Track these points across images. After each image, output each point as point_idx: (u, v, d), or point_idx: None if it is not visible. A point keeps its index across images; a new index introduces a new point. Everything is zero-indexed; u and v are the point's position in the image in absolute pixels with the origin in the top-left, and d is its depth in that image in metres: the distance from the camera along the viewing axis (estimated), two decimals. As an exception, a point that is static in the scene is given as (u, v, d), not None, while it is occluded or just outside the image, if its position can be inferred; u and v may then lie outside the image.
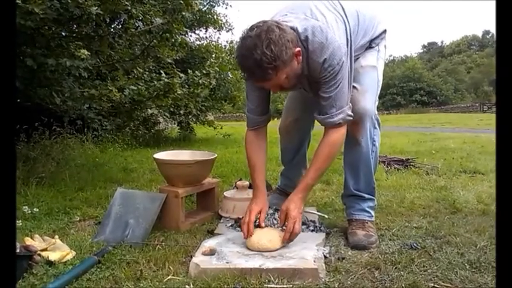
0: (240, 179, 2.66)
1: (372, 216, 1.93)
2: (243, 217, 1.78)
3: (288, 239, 1.65)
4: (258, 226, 1.91)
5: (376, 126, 1.86)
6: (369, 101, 1.81)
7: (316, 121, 2.09)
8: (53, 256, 1.55)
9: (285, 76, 1.54)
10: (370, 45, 1.94)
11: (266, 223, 1.92)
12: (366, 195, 1.91)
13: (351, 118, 1.70)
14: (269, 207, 2.17)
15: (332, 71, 1.59)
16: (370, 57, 1.92)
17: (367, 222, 1.86)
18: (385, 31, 1.98)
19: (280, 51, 1.45)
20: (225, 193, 2.27)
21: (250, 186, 2.33)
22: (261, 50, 1.43)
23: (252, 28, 1.50)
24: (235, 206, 2.16)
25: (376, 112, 1.86)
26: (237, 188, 2.28)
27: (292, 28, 1.56)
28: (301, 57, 1.57)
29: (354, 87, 1.77)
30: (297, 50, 1.52)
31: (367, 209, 1.91)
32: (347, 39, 1.66)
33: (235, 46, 1.59)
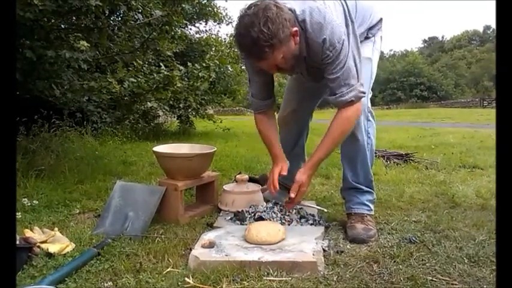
0: (240, 173, 2.67)
1: (371, 210, 1.93)
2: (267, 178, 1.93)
3: (292, 199, 1.77)
4: (259, 219, 1.92)
5: (370, 118, 1.89)
6: (365, 100, 1.81)
7: (313, 116, 2.14)
8: (53, 248, 1.55)
9: (282, 56, 1.54)
10: (367, 35, 1.93)
11: (265, 216, 1.93)
12: (365, 188, 1.93)
13: (364, 95, 1.70)
14: (268, 201, 2.19)
15: (333, 50, 1.59)
16: (366, 48, 1.90)
17: (366, 216, 1.86)
18: (381, 20, 1.97)
19: (277, 30, 1.46)
20: (224, 186, 2.28)
21: (249, 180, 2.34)
22: (258, 28, 1.45)
23: (249, 7, 1.52)
24: (235, 200, 2.17)
25: (370, 105, 1.88)
26: (236, 182, 2.29)
27: (290, 10, 1.55)
28: (298, 38, 1.57)
29: None
30: (294, 29, 1.53)
31: (366, 202, 1.92)
32: (346, 19, 1.66)
33: (235, 26, 1.59)
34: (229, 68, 6.92)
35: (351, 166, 1.93)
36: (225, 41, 9.28)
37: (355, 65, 1.66)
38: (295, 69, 1.80)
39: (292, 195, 1.77)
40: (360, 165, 1.90)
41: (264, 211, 2.00)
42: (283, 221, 1.91)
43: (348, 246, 1.66)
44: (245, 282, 1.32)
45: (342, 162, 1.98)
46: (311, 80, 1.86)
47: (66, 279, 1.35)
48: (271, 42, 1.47)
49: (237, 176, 2.32)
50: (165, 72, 3.75)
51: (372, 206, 1.94)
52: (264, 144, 2.00)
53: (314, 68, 1.73)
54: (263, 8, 1.47)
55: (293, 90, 2.18)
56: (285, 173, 1.87)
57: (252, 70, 1.86)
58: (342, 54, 1.60)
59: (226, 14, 9.25)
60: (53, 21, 3.09)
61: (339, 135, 1.73)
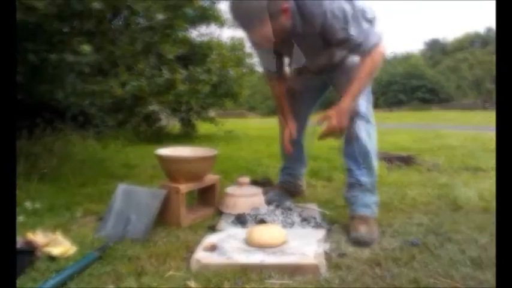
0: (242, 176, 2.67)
1: (374, 212, 1.95)
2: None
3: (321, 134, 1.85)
4: (261, 222, 1.92)
5: (370, 120, 1.98)
6: (363, 103, 1.94)
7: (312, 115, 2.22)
8: (55, 251, 1.55)
9: (273, 29, 1.64)
10: None
11: (267, 219, 1.93)
12: (369, 186, 1.96)
13: (381, 36, 1.77)
14: (270, 204, 2.19)
15: (336, 20, 1.69)
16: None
17: (369, 218, 1.88)
18: (374, 18, 1.98)
19: (267, 4, 1.58)
20: (226, 189, 2.28)
21: (252, 183, 2.34)
22: (249, 1, 1.59)
23: None
24: (236, 202, 2.17)
25: (365, 110, 1.96)
26: (238, 184, 2.29)
27: None
28: (289, 14, 1.68)
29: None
30: (285, 6, 1.64)
31: (370, 204, 1.95)
32: None
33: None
34: (231, 71, 6.91)
35: (355, 163, 1.97)
36: (226, 45, 9.29)
37: (356, 13, 1.72)
38: (287, 48, 1.92)
39: (324, 132, 1.83)
40: (363, 163, 1.95)
41: (266, 214, 2.00)
42: (285, 224, 1.91)
43: (350, 249, 1.66)
44: (247, 286, 1.32)
45: (346, 162, 2.01)
46: (309, 52, 1.95)
47: (68, 282, 1.35)
48: (260, 16, 1.59)
49: (239, 179, 2.32)
50: (167, 76, 3.75)
51: (375, 209, 1.97)
52: (277, 108, 2.25)
53: (310, 46, 1.87)
54: None
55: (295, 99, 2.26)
56: (294, 135, 2.11)
57: (258, 48, 2.09)
58: (347, 18, 1.69)
59: (228, 18, 9.25)
60: (55, 25, 3.10)
61: (366, 76, 1.79)
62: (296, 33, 1.78)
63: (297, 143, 2.36)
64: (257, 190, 2.29)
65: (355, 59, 1.94)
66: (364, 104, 1.96)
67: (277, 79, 2.15)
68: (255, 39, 1.79)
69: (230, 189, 2.27)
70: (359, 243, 1.72)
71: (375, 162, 2.00)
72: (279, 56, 2.06)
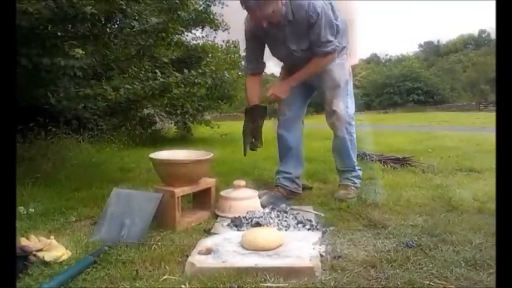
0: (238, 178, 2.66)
1: (355, 183, 2.60)
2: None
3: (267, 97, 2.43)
4: (256, 225, 1.91)
5: (352, 123, 2.54)
6: (342, 107, 2.46)
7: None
8: (49, 256, 1.54)
9: (272, 10, 2.09)
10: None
11: (262, 222, 1.93)
12: (349, 169, 2.60)
13: (337, 48, 2.33)
14: (266, 207, 2.19)
15: (315, 13, 2.15)
16: (343, 70, 2.48)
17: (349, 186, 2.55)
18: (344, 29, 2.47)
19: None
20: (221, 192, 2.27)
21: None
22: None
23: None
24: (232, 206, 2.16)
25: (350, 112, 2.52)
26: (234, 187, 2.28)
27: None
28: (284, 1, 2.14)
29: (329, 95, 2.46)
30: None
31: (351, 178, 2.59)
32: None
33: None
34: (226, 74, 6.91)
35: (337, 155, 2.63)
36: (221, 48, 9.29)
37: (333, 25, 2.26)
38: (281, 33, 2.30)
39: (268, 96, 2.43)
40: (343, 154, 2.58)
41: (261, 217, 1.99)
42: (280, 227, 1.90)
43: (345, 251, 1.66)
44: (242, 289, 1.31)
45: (332, 153, 2.67)
46: (290, 45, 2.33)
47: (62, 287, 1.34)
48: None
49: (234, 182, 2.31)
50: (161, 79, 3.74)
51: (356, 180, 2.61)
52: (246, 97, 2.53)
53: (296, 33, 2.27)
54: None
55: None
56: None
57: (249, 37, 2.43)
58: (322, 17, 2.17)
59: (223, 21, 9.25)
60: (48, 29, 3.09)
61: (312, 73, 2.38)
62: (287, 20, 2.21)
63: (292, 146, 2.56)
64: (253, 193, 2.29)
65: (340, 62, 2.45)
66: (349, 107, 2.49)
67: (258, 73, 2.54)
68: (260, 17, 2.12)
69: (225, 193, 2.27)
70: (338, 199, 2.41)
71: (355, 151, 2.62)
72: (262, 49, 2.48)
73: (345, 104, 2.48)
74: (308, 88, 2.62)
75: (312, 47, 2.29)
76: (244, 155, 2.44)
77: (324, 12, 2.17)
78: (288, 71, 2.54)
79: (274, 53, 2.52)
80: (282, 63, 2.65)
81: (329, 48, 2.27)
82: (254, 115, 2.46)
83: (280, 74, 2.69)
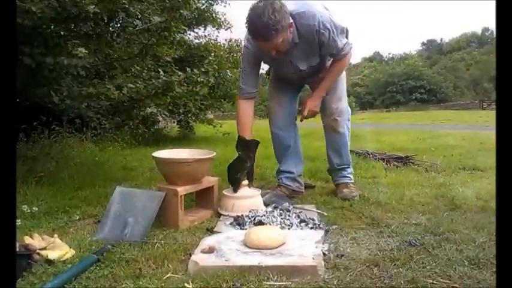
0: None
1: (351, 179, 2.64)
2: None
3: (304, 116, 2.45)
4: (259, 223, 1.92)
5: (349, 118, 2.58)
6: (344, 103, 2.53)
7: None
8: (52, 255, 1.54)
9: (281, 40, 2.05)
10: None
11: (265, 220, 1.93)
12: (346, 166, 2.64)
13: (351, 45, 2.34)
14: (268, 205, 2.19)
15: (326, 29, 2.14)
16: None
17: (349, 184, 2.59)
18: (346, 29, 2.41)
19: (281, 18, 1.98)
20: (224, 191, 2.27)
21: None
22: (268, 15, 1.94)
23: (260, 0, 2.02)
24: (234, 204, 2.16)
25: (349, 109, 2.60)
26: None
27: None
28: (292, 29, 2.09)
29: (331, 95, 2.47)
30: (290, 22, 2.06)
31: (347, 175, 2.63)
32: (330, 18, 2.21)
33: (247, 15, 2.04)
34: (229, 73, 6.91)
35: (336, 153, 2.61)
36: (224, 46, 9.28)
37: (342, 29, 2.25)
38: (287, 56, 2.26)
39: (305, 113, 2.44)
40: (343, 151, 2.60)
41: (264, 215, 2.00)
42: (283, 225, 1.91)
43: (348, 250, 1.66)
44: (245, 287, 1.31)
45: (328, 151, 2.65)
46: (298, 64, 2.33)
47: (65, 286, 1.35)
48: (277, 27, 1.97)
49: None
50: (164, 78, 3.74)
51: (351, 177, 2.65)
52: (237, 123, 2.40)
53: (304, 52, 2.27)
54: (271, 2, 1.98)
55: (275, 93, 2.63)
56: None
57: (249, 60, 2.36)
58: (333, 29, 2.16)
59: (225, 19, 9.25)
60: (51, 28, 3.09)
61: (338, 76, 2.43)
62: (293, 43, 2.17)
63: (289, 144, 2.60)
64: (255, 192, 2.29)
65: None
66: (345, 105, 2.55)
67: (253, 98, 2.41)
68: (269, 47, 2.09)
69: (228, 191, 2.27)
70: (345, 199, 2.42)
71: (348, 146, 2.64)
72: (259, 74, 2.47)
73: (346, 100, 2.57)
74: (298, 86, 2.67)
75: (332, 57, 2.36)
76: (235, 192, 2.24)
77: (333, 24, 2.17)
78: (286, 77, 2.53)
79: (279, 71, 2.54)
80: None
81: (346, 49, 2.31)
82: (249, 151, 2.29)
83: (268, 74, 2.71)
